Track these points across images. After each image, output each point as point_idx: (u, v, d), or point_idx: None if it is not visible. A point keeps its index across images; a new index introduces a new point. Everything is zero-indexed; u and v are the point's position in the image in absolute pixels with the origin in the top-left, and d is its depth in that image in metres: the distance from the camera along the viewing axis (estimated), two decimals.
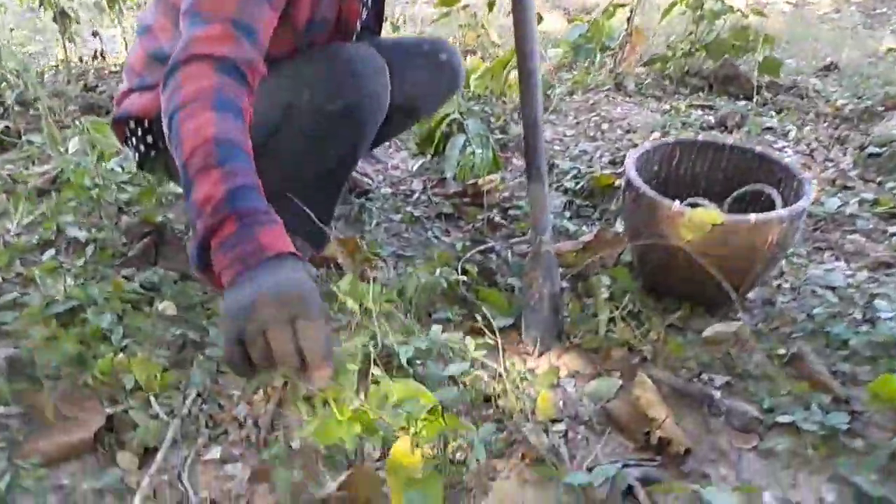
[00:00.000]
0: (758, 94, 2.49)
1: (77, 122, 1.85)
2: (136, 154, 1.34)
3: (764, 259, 1.20)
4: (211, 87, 0.86)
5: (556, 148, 2.11)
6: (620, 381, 1.11)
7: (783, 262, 1.43)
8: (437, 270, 1.32)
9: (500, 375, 1.07)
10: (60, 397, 1.01)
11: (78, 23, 2.61)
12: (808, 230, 1.61)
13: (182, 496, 0.91)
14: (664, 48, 2.88)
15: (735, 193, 1.36)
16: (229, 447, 0.99)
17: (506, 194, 1.79)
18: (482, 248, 1.48)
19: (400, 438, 0.86)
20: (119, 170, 1.72)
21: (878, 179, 1.85)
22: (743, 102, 2.48)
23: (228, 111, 0.86)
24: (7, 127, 2.02)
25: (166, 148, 0.91)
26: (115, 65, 2.79)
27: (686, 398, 1.08)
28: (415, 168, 1.96)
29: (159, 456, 0.94)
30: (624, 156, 1.90)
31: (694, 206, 1.22)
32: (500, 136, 2.11)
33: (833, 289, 1.36)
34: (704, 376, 1.13)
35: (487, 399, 1.07)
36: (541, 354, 1.18)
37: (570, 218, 1.69)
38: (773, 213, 1.16)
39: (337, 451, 0.96)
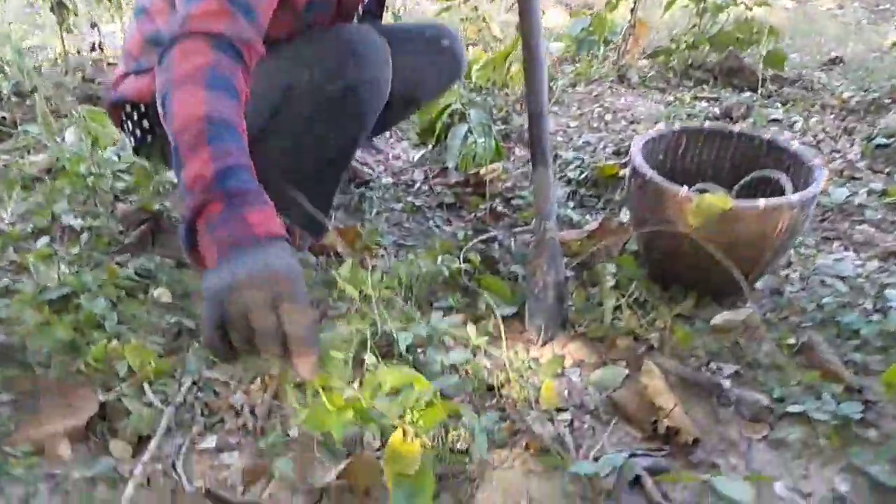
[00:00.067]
0: (762, 86, 2.47)
1: (74, 112, 1.82)
2: (133, 139, 1.31)
3: (773, 246, 1.17)
4: (205, 64, 0.84)
5: (560, 139, 2.08)
6: (627, 371, 1.08)
7: (791, 252, 1.40)
8: (439, 259, 1.29)
9: (504, 365, 1.05)
10: (52, 384, 0.98)
11: (76, 14, 2.58)
12: (815, 220, 1.59)
13: (176, 485, 0.88)
14: (667, 41, 2.85)
15: (743, 181, 1.33)
16: (225, 436, 0.96)
17: (508, 184, 1.76)
18: (484, 237, 1.45)
19: (398, 428, 0.83)
20: (116, 158, 1.69)
21: (887, 170, 1.82)
22: (748, 94, 2.45)
23: (222, 89, 0.83)
24: (3, 117, 2.00)
25: (163, 133, 0.88)
26: (113, 57, 2.76)
27: (694, 387, 1.05)
28: (416, 158, 1.93)
29: (153, 444, 0.92)
30: (628, 146, 1.87)
31: (702, 192, 1.19)
32: (502, 127, 2.08)
33: (843, 278, 1.34)
34: (713, 365, 1.11)
35: (490, 388, 1.04)
36: (545, 343, 1.15)
37: (574, 208, 1.66)
38: (783, 199, 1.14)
39: (335, 440, 0.94)
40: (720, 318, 1.18)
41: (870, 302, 1.25)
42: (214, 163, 0.77)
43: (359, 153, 1.82)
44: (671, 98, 2.43)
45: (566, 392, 1.05)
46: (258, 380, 1.04)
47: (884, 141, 1.91)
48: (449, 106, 1.89)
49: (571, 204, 1.69)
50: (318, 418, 0.80)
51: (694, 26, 2.71)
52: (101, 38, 2.80)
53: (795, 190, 1.25)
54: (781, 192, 1.26)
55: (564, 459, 0.90)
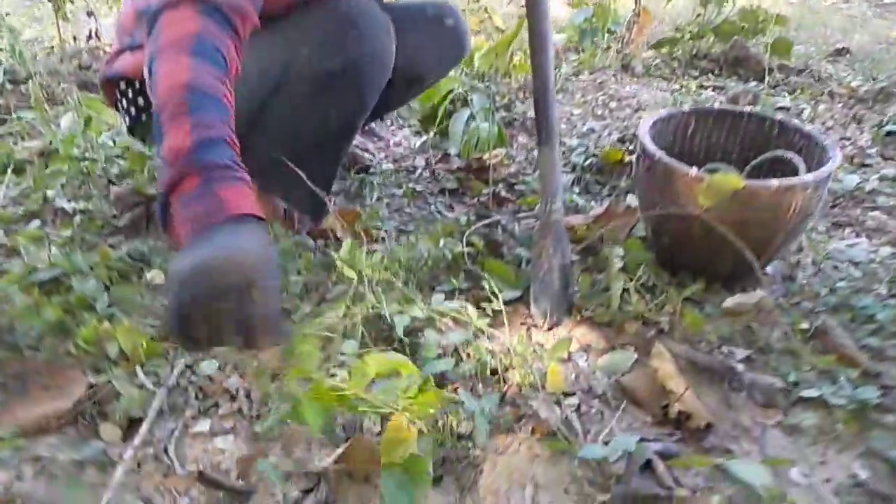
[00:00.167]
0: (769, 75, 2.43)
1: (70, 99, 1.79)
2: (127, 118, 1.28)
3: (786, 228, 1.13)
4: (191, 31, 0.80)
5: (564, 126, 2.04)
6: (636, 355, 1.05)
7: (802, 238, 1.36)
8: (441, 241, 1.25)
9: (508, 349, 1.01)
10: (41, 366, 0.95)
11: (72, 2, 2.55)
12: (827, 207, 1.55)
13: (168, 469, 0.84)
14: (671, 31, 2.81)
15: (754, 161, 1.29)
16: (220, 420, 0.93)
17: (511, 170, 1.72)
18: (487, 221, 1.41)
19: (395, 414, 0.80)
20: (111, 143, 1.66)
21: None
22: (754, 84, 2.41)
23: (208, 57, 0.79)
24: None
25: None
26: (109, 45, 2.73)
27: (706, 372, 1.02)
28: (417, 145, 1.90)
29: (144, 427, 0.88)
30: (633, 134, 1.83)
31: (713, 172, 1.15)
32: (504, 115, 2.04)
33: (856, 264, 1.30)
34: (724, 350, 1.07)
35: (493, 372, 1.01)
36: (550, 328, 1.12)
37: (580, 193, 1.62)
38: (796, 179, 1.10)
39: (334, 425, 0.90)
40: (732, 300, 1.14)
41: (884, 287, 1.22)
42: (193, 134, 0.73)
43: (359, 139, 1.78)
44: (676, 87, 2.39)
45: (573, 376, 1.02)
46: (255, 364, 1.00)
47: (894, 128, 1.87)
48: (451, 92, 1.85)
49: (577, 190, 1.65)
50: (297, 411, 0.78)
51: (698, 16, 2.67)
52: (98, 26, 2.77)
53: (808, 171, 1.22)
54: (793, 175, 1.22)
55: (572, 444, 0.87)
